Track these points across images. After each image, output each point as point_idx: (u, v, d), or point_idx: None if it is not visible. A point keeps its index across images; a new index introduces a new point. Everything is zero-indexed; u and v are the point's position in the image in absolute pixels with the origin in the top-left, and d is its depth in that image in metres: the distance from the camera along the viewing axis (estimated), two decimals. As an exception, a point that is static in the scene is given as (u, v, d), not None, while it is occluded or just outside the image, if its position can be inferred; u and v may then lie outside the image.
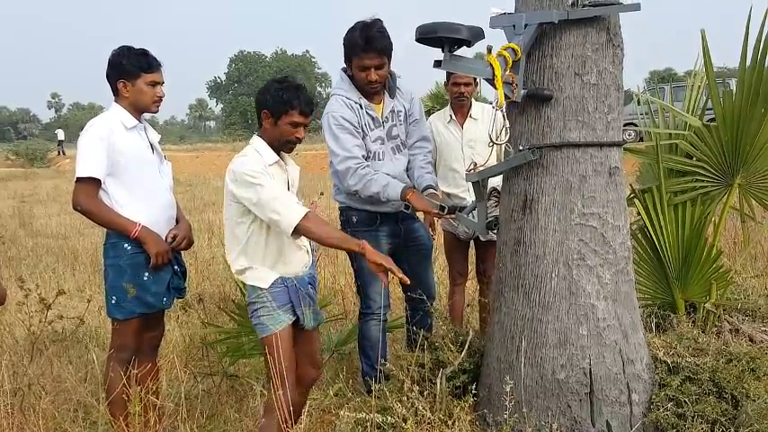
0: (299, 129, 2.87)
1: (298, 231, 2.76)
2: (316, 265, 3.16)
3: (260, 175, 2.76)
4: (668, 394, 2.88)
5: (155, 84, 3.25)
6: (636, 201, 3.56)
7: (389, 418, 2.88)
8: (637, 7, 2.78)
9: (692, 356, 3.03)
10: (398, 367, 3.38)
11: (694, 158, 3.54)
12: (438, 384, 3.01)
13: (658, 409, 2.84)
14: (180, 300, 3.75)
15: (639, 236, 3.68)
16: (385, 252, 3.39)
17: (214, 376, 3.81)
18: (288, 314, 2.90)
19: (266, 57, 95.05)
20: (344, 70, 3.68)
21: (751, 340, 3.44)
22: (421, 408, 2.84)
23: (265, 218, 2.79)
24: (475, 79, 4.22)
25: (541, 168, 2.92)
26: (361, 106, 3.59)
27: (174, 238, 3.25)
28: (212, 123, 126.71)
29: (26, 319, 4.23)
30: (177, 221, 3.38)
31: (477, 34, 2.95)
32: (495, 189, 3.42)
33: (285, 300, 2.89)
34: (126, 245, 3.13)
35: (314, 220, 2.79)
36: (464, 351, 3.19)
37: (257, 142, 2.93)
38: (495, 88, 2.83)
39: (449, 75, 4.29)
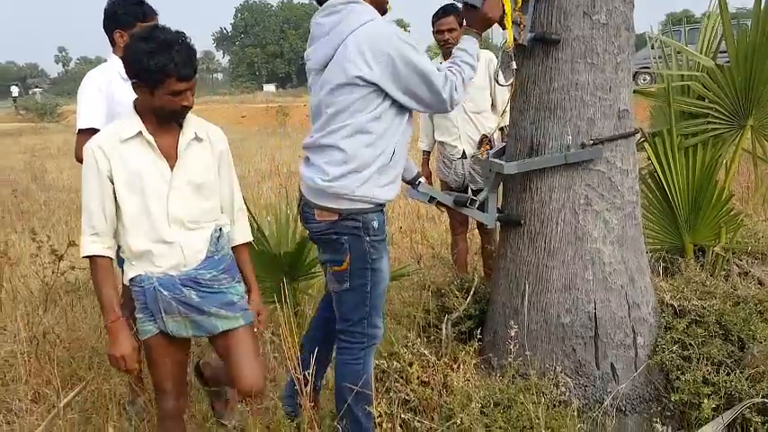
0: (184, 95, 2.26)
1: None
2: (222, 261, 2.46)
3: (90, 158, 2.28)
4: (674, 337, 2.89)
5: None
6: (645, 144, 3.50)
7: (395, 363, 2.90)
8: None
9: (699, 299, 3.04)
10: (405, 314, 3.41)
11: (706, 100, 3.47)
12: (443, 330, 3.03)
13: (663, 352, 2.85)
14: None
15: (649, 180, 3.64)
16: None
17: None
18: (149, 324, 2.39)
19: (272, 5, 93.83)
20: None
21: (760, 283, 3.43)
22: (426, 353, 2.86)
23: None
24: (460, 25, 4.16)
25: (548, 112, 2.87)
26: None
27: None
28: (220, 76, 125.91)
29: (40, 270, 4.28)
30: None
31: None
32: (485, 136, 3.36)
33: (141, 303, 2.38)
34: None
35: (97, 268, 2.31)
36: (469, 297, 3.20)
37: (129, 112, 2.38)
38: (504, 29, 2.75)
39: (433, 22, 4.25)
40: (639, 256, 2.99)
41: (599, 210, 2.86)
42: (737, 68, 3.26)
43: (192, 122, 2.40)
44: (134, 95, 3.15)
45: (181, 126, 2.36)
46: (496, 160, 3.00)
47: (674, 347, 2.86)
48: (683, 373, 2.77)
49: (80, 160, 3.10)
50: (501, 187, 3.17)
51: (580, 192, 2.85)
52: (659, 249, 3.71)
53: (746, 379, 2.73)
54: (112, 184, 2.28)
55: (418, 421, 2.56)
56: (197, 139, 2.39)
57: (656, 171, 3.48)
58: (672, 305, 3.06)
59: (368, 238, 2.53)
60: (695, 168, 3.47)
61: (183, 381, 2.56)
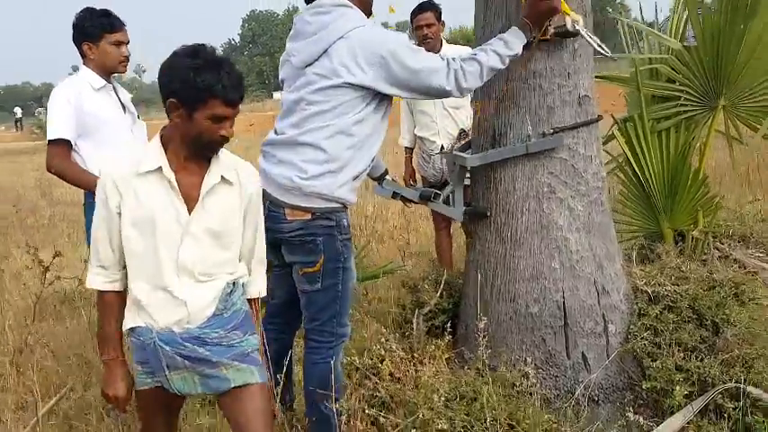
0: (224, 124, 2.00)
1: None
2: (233, 319, 2.16)
3: (100, 190, 2.05)
4: (645, 323, 2.86)
5: (119, 43, 3.25)
6: (616, 131, 3.47)
7: (367, 359, 2.90)
8: None
9: (672, 285, 2.99)
10: (381, 311, 3.42)
11: (677, 83, 3.43)
12: (414, 324, 3.03)
13: (635, 339, 2.82)
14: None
15: (626, 167, 3.60)
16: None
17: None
18: (147, 376, 2.12)
19: (278, 14, 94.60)
20: None
21: (742, 266, 3.38)
22: (395, 348, 2.85)
23: None
24: (438, 20, 4.22)
25: (509, 101, 2.86)
26: None
27: None
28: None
29: (30, 281, 4.35)
30: None
31: None
32: (463, 131, 3.36)
33: (141, 356, 2.10)
34: (102, 204, 3.16)
35: (101, 302, 2.13)
36: (440, 291, 3.19)
37: (152, 140, 2.11)
38: (565, 13, 2.58)
39: (412, 19, 4.30)
40: (609, 242, 2.96)
41: (563, 197, 2.84)
42: (704, 49, 3.22)
43: (223, 162, 2.11)
44: (105, 106, 3.23)
45: (209, 163, 2.08)
46: (460, 153, 2.99)
47: (646, 334, 2.82)
48: (654, 360, 2.74)
49: (50, 169, 3.17)
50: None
51: (543, 180, 2.83)
52: (638, 236, 3.67)
53: (719, 364, 2.69)
54: (120, 219, 2.05)
55: (383, 416, 2.55)
56: (225, 182, 2.09)
57: (629, 157, 3.44)
58: (646, 291, 3.01)
59: (340, 237, 2.53)
60: (669, 152, 3.43)
61: (175, 426, 2.37)
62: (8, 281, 4.96)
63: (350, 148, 2.49)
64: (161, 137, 2.06)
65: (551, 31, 2.62)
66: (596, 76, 3.57)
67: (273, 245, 2.51)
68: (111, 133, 3.22)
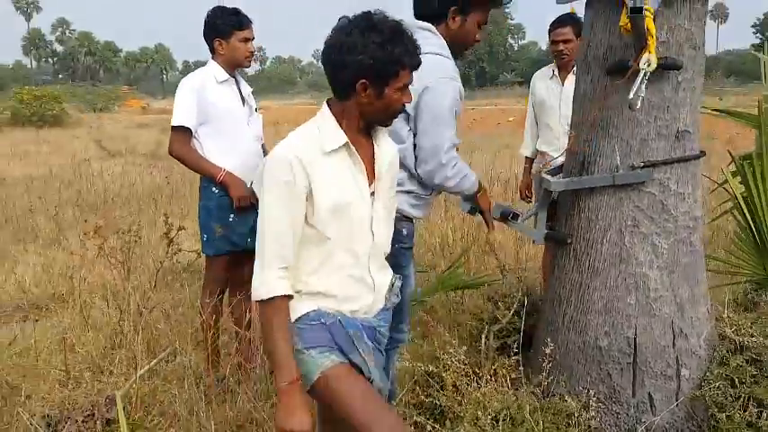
0: (406, 92, 1.93)
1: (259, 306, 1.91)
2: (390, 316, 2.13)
3: (285, 171, 1.84)
4: (722, 373, 2.73)
5: (246, 40, 3.53)
6: (725, 169, 3.29)
7: (432, 368, 2.99)
8: None
9: (764, 337, 2.82)
10: (457, 321, 3.48)
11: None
12: (483, 340, 3.07)
13: (708, 387, 2.70)
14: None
15: (743, 206, 3.40)
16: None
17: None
18: (332, 354, 1.93)
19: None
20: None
21: None
22: (457, 361, 2.90)
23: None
24: (578, 35, 4.09)
25: (601, 130, 2.82)
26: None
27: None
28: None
29: (161, 249, 4.81)
30: None
31: None
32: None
33: (320, 339, 1.93)
34: (214, 188, 3.47)
35: (278, 312, 1.87)
36: (512, 309, 3.21)
37: (324, 120, 1.94)
38: (646, 50, 2.45)
39: (549, 32, 4.22)
40: (695, 284, 2.83)
41: (647, 233, 2.76)
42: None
43: (385, 134, 2.04)
44: (226, 98, 3.53)
45: (369, 135, 2.00)
46: (547, 176, 2.98)
47: (721, 383, 2.69)
48: (724, 412, 2.61)
49: (171, 153, 3.51)
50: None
51: (628, 213, 2.77)
52: (746, 281, 3.46)
53: (795, 427, 2.52)
54: (307, 204, 1.89)
55: (430, 425, 2.64)
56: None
57: (738, 198, 3.25)
58: (733, 340, 2.87)
59: (396, 245, 2.64)
60: (788, 196, 3.20)
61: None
62: (147, 247, 5.50)
63: (404, 172, 2.61)
64: (330, 110, 1.93)
65: (632, 66, 2.55)
66: (717, 110, 3.42)
67: None
68: (230, 123, 3.51)
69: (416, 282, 4.17)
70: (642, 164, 2.72)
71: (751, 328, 2.88)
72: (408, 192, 2.67)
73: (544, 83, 4.41)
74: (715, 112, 3.41)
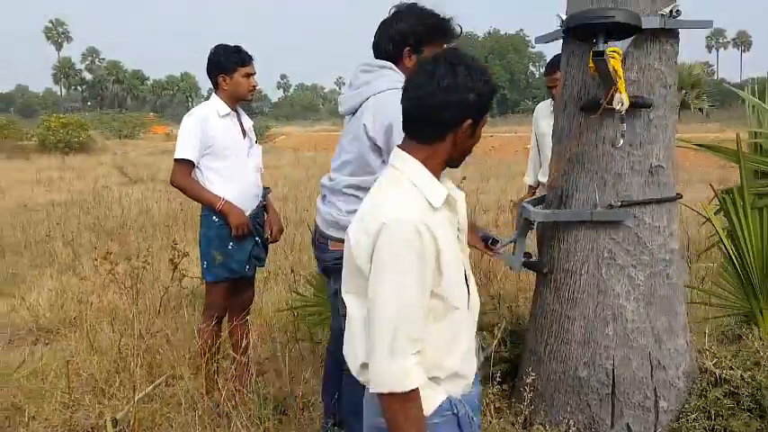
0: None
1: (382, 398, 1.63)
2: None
3: (414, 239, 1.60)
4: (700, 405, 2.78)
5: (249, 75, 3.70)
6: (704, 205, 3.36)
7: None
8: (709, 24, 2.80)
9: (743, 370, 2.87)
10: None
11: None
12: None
13: (686, 419, 2.75)
14: (266, 270, 4.21)
15: (724, 241, 3.46)
16: None
17: (300, 341, 4.24)
18: None
19: (479, 37, 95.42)
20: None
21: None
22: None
23: (368, 332, 1.66)
24: None
25: (578, 165, 2.92)
26: None
27: (270, 232, 3.83)
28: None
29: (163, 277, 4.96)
30: (266, 209, 3.83)
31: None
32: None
33: None
34: (214, 217, 3.61)
35: (415, 406, 1.61)
36: (497, 339, 3.28)
37: (417, 172, 1.71)
38: (617, 90, 2.57)
39: (547, 69, 4.35)
40: (672, 316, 2.90)
41: (623, 265, 2.84)
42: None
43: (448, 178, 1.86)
44: (227, 131, 3.69)
45: None
46: (527, 206, 3.07)
47: (698, 415, 2.75)
48: (699, 444, 2.67)
49: (172, 183, 3.65)
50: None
51: (604, 245, 2.85)
52: (736, 314, 3.50)
53: (771, 460, 2.56)
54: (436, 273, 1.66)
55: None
56: None
57: (719, 233, 3.31)
58: (713, 372, 2.92)
59: None
60: (770, 230, 3.26)
61: None
62: (157, 273, 5.65)
63: None
64: (422, 161, 1.72)
65: (604, 105, 2.65)
66: (700, 145, 3.50)
67: (324, 274, 2.80)
68: (231, 155, 3.65)
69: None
70: (620, 202, 2.80)
71: (731, 360, 2.93)
72: None
73: (546, 118, 4.53)
74: (696, 147, 3.49)
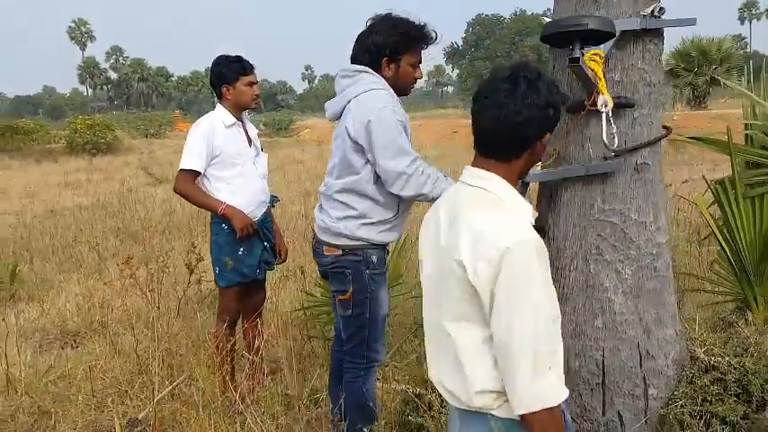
0: None
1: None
2: None
3: (542, 254, 1.71)
4: (688, 392, 2.88)
5: (251, 84, 3.84)
6: (698, 197, 3.43)
7: (419, 389, 3.20)
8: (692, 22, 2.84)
9: (733, 356, 2.96)
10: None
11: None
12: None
13: (675, 405, 2.85)
14: (279, 272, 4.37)
15: (716, 231, 3.53)
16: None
17: (313, 338, 4.41)
18: None
19: (505, 18, 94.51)
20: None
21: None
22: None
23: (502, 358, 1.68)
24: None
25: (566, 163, 3.01)
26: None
27: (279, 254, 4.03)
28: (450, 89, 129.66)
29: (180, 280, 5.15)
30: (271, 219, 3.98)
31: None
32: None
33: None
34: (224, 225, 3.77)
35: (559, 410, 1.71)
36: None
37: (509, 191, 1.79)
38: (599, 92, 2.68)
39: None
40: (660, 308, 2.99)
41: (611, 260, 2.93)
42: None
43: None
44: (233, 140, 3.84)
45: None
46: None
47: (686, 402, 2.84)
48: (688, 429, 2.76)
49: (176, 191, 3.78)
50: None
51: (592, 241, 2.95)
52: (733, 301, 3.58)
53: (757, 443, 2.66)
54: None
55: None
56: None
57: (710, 224, 3.39)
58: (703, 360, 3.01)
59: (368, 271, 2.93)
60: (762, 218, 3.33)
61: None
62: (177, 276, 5.86)
63: (366, 202, 2.85)
64: (504, 177, 1.78)
65: (587, 106, 2.74)
66: (691, 137, 3.57)
67: (323, 277, 2.97)
68: (238, 164, 3.81)
69: (419, 304, 4.40)
70: (614, 153, 2.86)
71: (721, 348, 3.02)
72: (374, 222, 2.90)
73: None
74: (688, 140, 3.56)
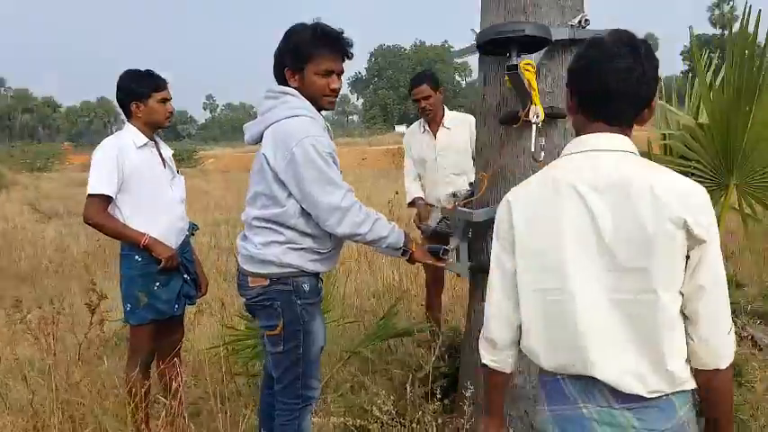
0: None
1: None
2: None
3: None
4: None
5: (165, 100, 3.54)
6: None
7: (358, 421, 3.01)
8: None
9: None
10: (387, 372, 3.51)
11: (692, 160, 3.37)
12: (408, 388, 3.10)
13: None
14: (195, 306, 4.04)
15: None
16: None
17: (237, 376, 4.11)
18: None
19: (405, 49, 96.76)
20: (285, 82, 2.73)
21: (756, 345, 3.25)
22: (384, 413, 2.91)
23: (709, 311, 1.62)
24: (435, 89, 4.41)
25: (500, 176, 2.94)
26: (328, 129, 2.76)
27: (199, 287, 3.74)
28: (355, 117, 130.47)
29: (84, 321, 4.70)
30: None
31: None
32: (454, 194, 3.38)
33: None
34: (137, 257, 3.42)
35: None
36: (434, 355, 3.27)
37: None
38: (532, 102, 2.63)
39: (409, 92, 4.52)
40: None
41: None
42: (715, 128, 3.16)
43: None
44: (146, 162, 3.45)
45: None
46: (464, 209, 3.01)
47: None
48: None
49: (87, 221, 3.36)
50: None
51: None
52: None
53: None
54: None
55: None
56: None
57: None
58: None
59: (299, 302, 2.65)
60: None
61: None
62: (75, 318, 5.37)
63: (291, 231, 2.61)
64: None
65: (522, 117, 2.68)
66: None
67: (249, 312, 2.72)
68: (152, 188, 3.47)
69: (347, 332, 4.20)
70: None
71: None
72: (304, 249, 2.64)
73: (417, 140, 4.62)
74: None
